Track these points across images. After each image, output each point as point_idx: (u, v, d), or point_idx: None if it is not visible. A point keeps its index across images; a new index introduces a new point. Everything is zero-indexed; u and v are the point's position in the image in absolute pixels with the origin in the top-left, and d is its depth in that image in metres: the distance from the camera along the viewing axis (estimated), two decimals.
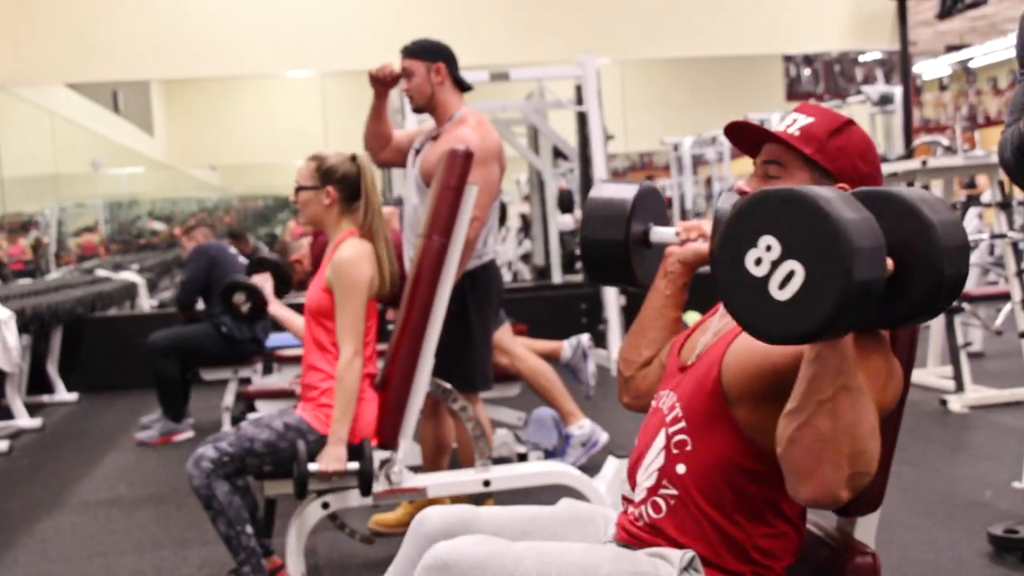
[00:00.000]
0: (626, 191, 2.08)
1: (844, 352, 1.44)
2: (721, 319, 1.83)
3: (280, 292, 4.31)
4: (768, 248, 1.40)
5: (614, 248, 2.07)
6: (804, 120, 1.76)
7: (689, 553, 1.65)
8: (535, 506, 1.90)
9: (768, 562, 1.69)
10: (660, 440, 1.76)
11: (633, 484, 1.80)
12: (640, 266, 2.08)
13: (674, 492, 1.71)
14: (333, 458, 3.07)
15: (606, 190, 2.11)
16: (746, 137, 1.85)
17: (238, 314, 4.11)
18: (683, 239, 2.03)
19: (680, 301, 2.06)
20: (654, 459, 1.76)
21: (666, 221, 2.15)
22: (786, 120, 1.79)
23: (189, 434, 5.89)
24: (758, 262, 1.41)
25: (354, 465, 3.10)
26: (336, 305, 3.15)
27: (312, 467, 3.05)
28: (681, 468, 1.71)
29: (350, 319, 3.13)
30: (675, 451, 1.72)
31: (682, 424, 1.73)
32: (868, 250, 1.36)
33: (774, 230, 1.40)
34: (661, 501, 1.73)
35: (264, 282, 4.02)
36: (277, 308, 3.76)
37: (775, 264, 1.40)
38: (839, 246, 1.35)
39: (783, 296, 1.39)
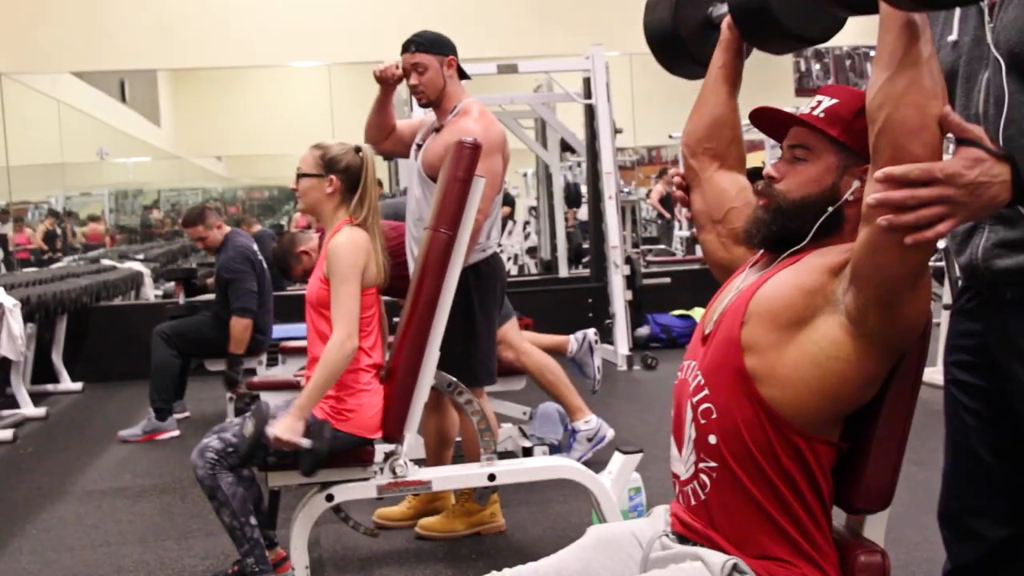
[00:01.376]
0: None
1: (926, 20, 1.52)
2: (745, 279, 1.82)
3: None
4: None
5: (664, 27, 2.15)
6: (829, 102, 1.76)
7: (731, 561, 1.66)
8: (562, 550, 1.88)
9: (813, 532, 1.70)
10: (688, 413, 1.77)
11: (679, 460, 1.81)
12: (712, 51, 2.10)
13: (713, 464, 1.72)
14: (288, 428, 2.96)
15: None
16: (771, 122, 1.85)
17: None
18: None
19: (732, 73, 2.05)
20: (689, 433, 1.77)
21: None
22: (811, 102, 1.79)
23: (174, 432, 5.84)
24: None
25: (307, 442, 3.00)
26: (331, 289, 3.12)
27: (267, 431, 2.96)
28: (712, 438, 1.71)
29: (344, 302, 3.08)
30: (703, 420, 1.73)
31: (705, 392, 1.74)
32: None
33: None
34: (705, 477, 1.73)
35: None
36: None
37: None
38: None
39: None
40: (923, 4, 1.48)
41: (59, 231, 12.37)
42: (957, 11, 1.90)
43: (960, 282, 1.96)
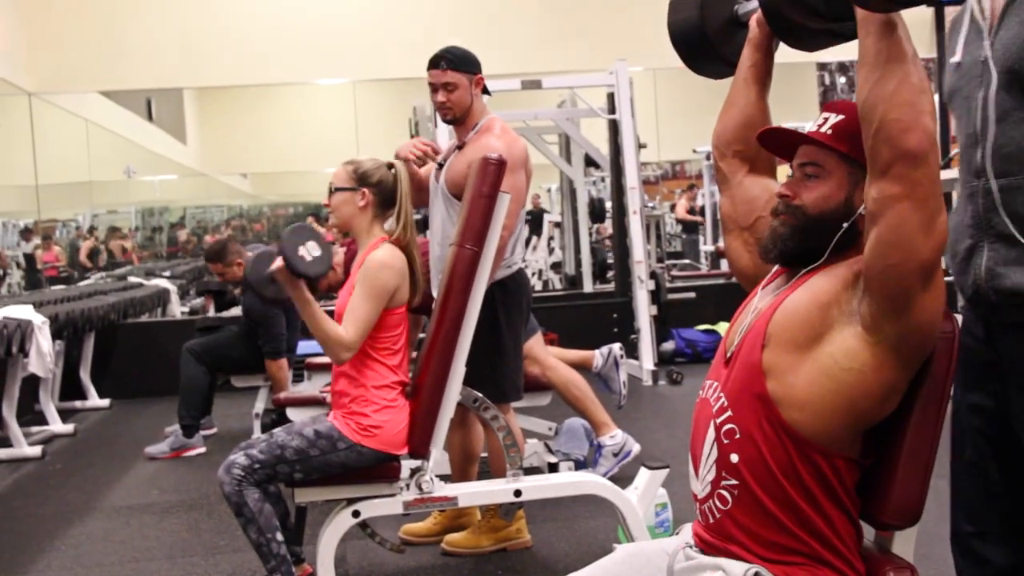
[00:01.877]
0: None
1: (902, 17, 1.59)
2: (761, 299, 1.82)
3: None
4: None
5: (690, 26, 2.16)
6: (835, 118, 1.76)
7: (753, 569, 1.66)
8: (591, 565, 1.88)
9: (836, 544, 1.70)
10: (711, 433, 1.77)
11: (696, 479, 1.82)
12: (738, 49, 2.09)
13: (734, 482, 1.72)
14: (294, 283, 3.10)
15: None
16: (780, 142, 1.85)
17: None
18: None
19: (762, 72, 2.05)
20: (709, 452, 1.77)
21: None
22: (817, 120, 1.80)
23: (201, 449, 5.86)
24: None
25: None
26: (354, 294, 3.13)
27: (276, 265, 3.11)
28: (735, 457, 1.72)
29: (358, 315, 3.09)
30: (725, 441, 1.73)
31: (728, 413, 1.74)
32: None
33: None
34: (725, 493, 1.73)
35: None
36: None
37: None
38: None
39: None
40: (895, 4, 1.52)
41: (103, 249, 12.56)
42: (962, 34, 1.90)
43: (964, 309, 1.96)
